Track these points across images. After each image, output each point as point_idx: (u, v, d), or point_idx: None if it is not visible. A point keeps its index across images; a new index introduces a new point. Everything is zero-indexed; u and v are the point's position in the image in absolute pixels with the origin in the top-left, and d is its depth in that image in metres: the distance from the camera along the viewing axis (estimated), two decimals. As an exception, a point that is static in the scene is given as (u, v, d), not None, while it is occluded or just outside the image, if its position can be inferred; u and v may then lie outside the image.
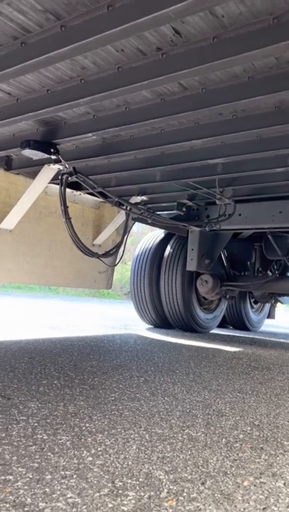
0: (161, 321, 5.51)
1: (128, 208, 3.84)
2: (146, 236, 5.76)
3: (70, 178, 3.05)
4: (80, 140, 2.85)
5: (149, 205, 4.26)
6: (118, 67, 1.99)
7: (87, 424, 1.64)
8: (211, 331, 5.84)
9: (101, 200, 4.03)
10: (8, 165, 3.43)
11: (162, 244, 5.45)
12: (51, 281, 3.76)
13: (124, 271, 18.74)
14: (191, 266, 4.80)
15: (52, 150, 2.71)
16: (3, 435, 1.47)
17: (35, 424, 1.59)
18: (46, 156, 2.74)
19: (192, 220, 4.44)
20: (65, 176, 3.06)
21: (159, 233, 5.54)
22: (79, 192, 3.93)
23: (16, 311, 6.70)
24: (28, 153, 2.72)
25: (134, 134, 2.79)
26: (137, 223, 4.64)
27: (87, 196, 4.07)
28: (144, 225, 5.13)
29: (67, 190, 3.84)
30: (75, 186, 3.86)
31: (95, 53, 1.90)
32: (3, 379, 2.24)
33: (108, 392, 2.15)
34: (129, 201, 3.91)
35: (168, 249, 5.35)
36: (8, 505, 1.03)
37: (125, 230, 4.14)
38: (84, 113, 2.51)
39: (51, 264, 3.74)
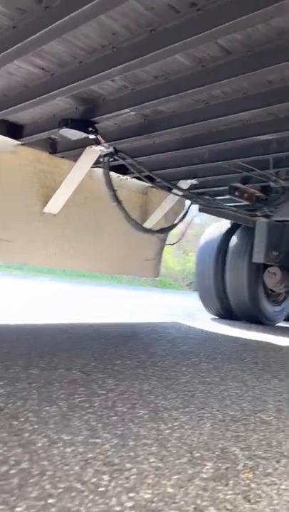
0: (227, 312, 5.34)
1: (183, 194, 3.68)
2: (210, 227, 5.62)
3: (111, 159, 2.94)
4: (119, 118, 2.73)
5: (203, 190, 4.07)
6: (151, 30, 1.83)
7: (162, 402, 1.77)
8: (278, 324, 5.61)
9: (149, 184, 3.89)
10: (53, 148, 3.38)
11: (227, 234, 5.26)
12: (97, 266, 3.69)
13: (185, 262, 18.68)
14: (258, 258, 4.58)
15: (90, 129, 2.61)
16: (88, 405, 1.65)
17: (115, 398, 1.76)
18: (84, 135, 2.65)
19: (257, 210, 4.17)
20: (106, 158, 2.96)
21: (223, 223, 5.36)
22: (126, 176, 3.82)
23: (84, 298, 7.06)
24: (66, 132, 2.64)
25: (176, 109, 2.61)
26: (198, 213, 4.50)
27: (134, 181, 3.95)
28: (206, 216, 4.99)
29: (113, 174, 3.75)
30: (122, 170, 3.75)
31: (124, 15, 1.75)
32: (83, 357, 2.45)
33: (179, 374, 2.27)
34: (178, 185, 3.75)
35: (233, 239, 5.16)
36: (99, 463, 1.20)
37: (184, 215, 4.01)
38: (121, 87, 2.38)
39: (97, 250, 3.66)
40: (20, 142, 3.13)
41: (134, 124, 2.87)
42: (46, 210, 3.31)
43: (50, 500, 1.00)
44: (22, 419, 1.45)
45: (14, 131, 3.08)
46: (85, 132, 2.62)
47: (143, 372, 2.21)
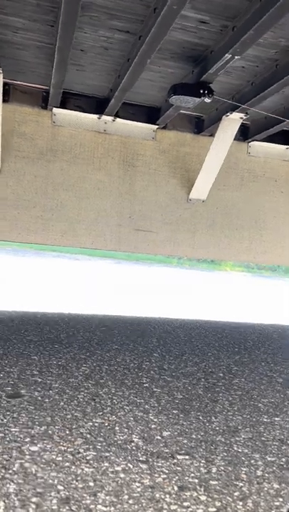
0: None
1: None
2: None
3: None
4: (248, 71, 2.22)
5: None
6: None
7: None
8: None
9: None
10: (199, 127, 3.04)
11: None
12: (259, 258, 3.13)
13: None
14: None
15: (202, 91, 2.19)
16: None
17: None
18: (198, 99, 2.24)
19: None
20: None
21: None
22: (296, 147, 3.14)
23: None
24: (177, 101, 2.29)
25: (308, 38, 1.94)
26: None
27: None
28: None
29: (278, 146, 3.15)
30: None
31: None
32: None
33: None
34: None
35: None
36: None
37: None
38: (220, 27, 1.90)
39: (258, 238, 3.11)
40: (158, 126, 2.92)
41: (268, 75, 2.28)
42: (192, 196, 2.99)
43: None
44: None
45: (152, 115, 2.89)
46: (197, 96, 2.22)
47: None
